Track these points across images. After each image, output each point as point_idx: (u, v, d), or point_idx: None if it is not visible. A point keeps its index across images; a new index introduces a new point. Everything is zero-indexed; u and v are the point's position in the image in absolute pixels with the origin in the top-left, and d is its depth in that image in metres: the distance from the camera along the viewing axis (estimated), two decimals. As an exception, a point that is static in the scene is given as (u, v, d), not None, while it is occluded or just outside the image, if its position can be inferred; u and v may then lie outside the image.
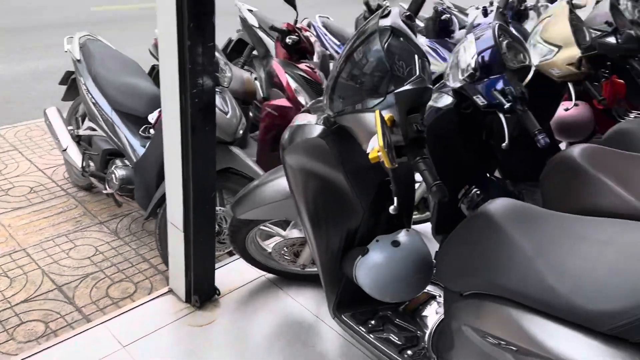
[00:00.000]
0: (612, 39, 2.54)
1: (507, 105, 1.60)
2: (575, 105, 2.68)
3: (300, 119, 1.54)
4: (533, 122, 1.63)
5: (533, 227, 1.21)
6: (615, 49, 2.14)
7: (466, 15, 4.40)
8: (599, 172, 1.60)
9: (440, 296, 1.76)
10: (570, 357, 1.03)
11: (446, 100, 1.80)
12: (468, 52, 1.74)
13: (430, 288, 1.80)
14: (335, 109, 1.39)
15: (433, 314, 1.71)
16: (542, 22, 2.24)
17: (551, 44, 2.14)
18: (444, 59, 3.54)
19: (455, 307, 1.37)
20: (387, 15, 1.37)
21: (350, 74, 1.35)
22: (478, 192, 1.93)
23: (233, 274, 2.28)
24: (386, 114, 1.23)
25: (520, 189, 2.28)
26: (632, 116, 2.73)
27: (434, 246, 1.68)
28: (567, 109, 2.46)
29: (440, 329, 1.63)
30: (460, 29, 3.82)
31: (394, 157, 1.14)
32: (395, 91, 1.25)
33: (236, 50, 4.30)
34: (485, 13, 2.06)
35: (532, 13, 4.04)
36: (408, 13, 1.42)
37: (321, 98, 1.52)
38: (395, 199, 1.27)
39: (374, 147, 1.14)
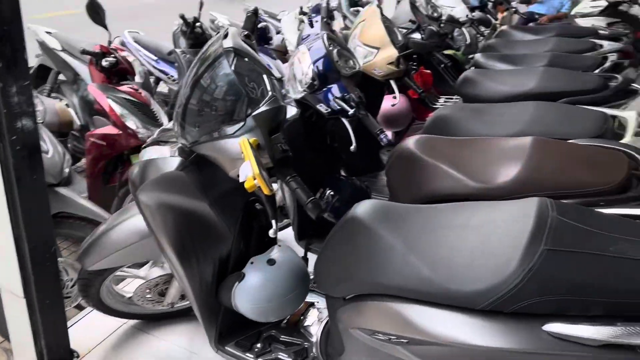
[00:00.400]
0: (417, 35, 2.85)
1: (351, 111, 1.69)
2: (394, 98, 2.96)
3: (150, 152, 1.44)
4: (374, 123, 1.74)
5: (400, 224, 1.29)
6: (426, 45, 2.40)
7: (278, 20, 4.55)
8: (434, 160, 1.78)
9: (318, 302, 1.80)
10: (454, 337, 1.13)
11: (291, 111, 1.83)
12: (303, 63, 1.80)
13: (307, 297, 1.84)
14: (191, 138, 1.32)
15: (316, 322, 1.74)
16: (358, 27, 2.41)
17: (370, 46, 2.31)
18: (268, 66, 3.61)
19: (340, 312, 1.41)
20: (226, 37, 1.34)
21: (200, 100, 1.29)
22: (332, 193, 2.02)
23: (90, 329, 2.05)
24: (250, 139, 1.20)
25: (364, 182, 2.44)
26: (442, 101, 3.10)
27: (301, 253, 1.71)
28: (394, 105, 2.68)
29: (327, 335, 1.67)
30: (277, 34, 3.93)
31: (270, 183, 1.13)
32: (254, 114, 1.24)
33: (39, 77, 3.84)
34: (311, 24, 2.15)
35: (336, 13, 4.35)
36: (246, 32, 1.41)
37: (168, 127, 1.43)
38: (273, 222, 1.26)
39: (248, 176, 1.11)
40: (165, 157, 1.38)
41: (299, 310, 1.77)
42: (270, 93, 1.28)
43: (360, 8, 4.98)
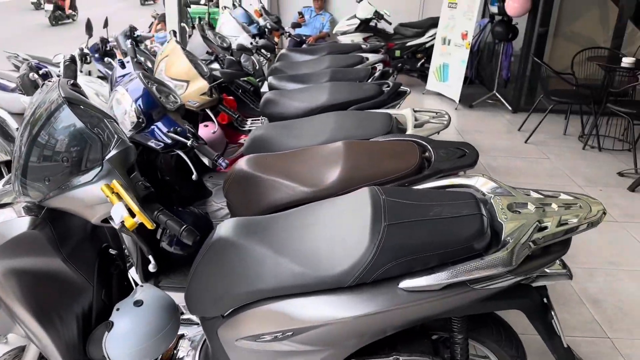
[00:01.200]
0: (216, 65, 3.01)
1: (189, 142, 1.76)
2: (205, 126, 3.07)
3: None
4: (210, 151, 1.85)
5: (264, 234, 1.44)
6: (233, 74, 2.57)
7: (57, 65, 4.26)
8: (268, 175, 1.96)
9: (187, 332, 1.82)
10: (330, 316, 1.32)
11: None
12: (124, 104, 1.81)
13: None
14: (40, 194, 1.26)
15: (190, 351, 1.76)
16: (161, 63, 2.47)
17: (179, 80, 2.40)
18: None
19: (221, 329, 1.49)
20: (54, 89, 1.32)
21: (45, 155, 1.25)
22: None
23: None
24: (113, 181, 1.21)
25: (201, 207, 2.51)
26: (249, 123, 3.31)
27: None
28: (214, 132, 2.79)
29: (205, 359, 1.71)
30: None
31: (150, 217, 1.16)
32: (109, 157, 1.25)
33: None
34: (122, 65, 2.13)
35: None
36: (72, 81, 1.40)
37: (5, 189, 1.34)
38: (150, 257, 1.28)
39: (125, 216, 1.13)
40: (11, 219, 1.29)
41: (170, 346, 1.77)
42: (116, 136, 1.31)
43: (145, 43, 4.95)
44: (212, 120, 2.75)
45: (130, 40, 4.60)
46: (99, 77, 4.11)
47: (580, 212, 1.31)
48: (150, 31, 9.92)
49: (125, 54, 4.91)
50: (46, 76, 3.37)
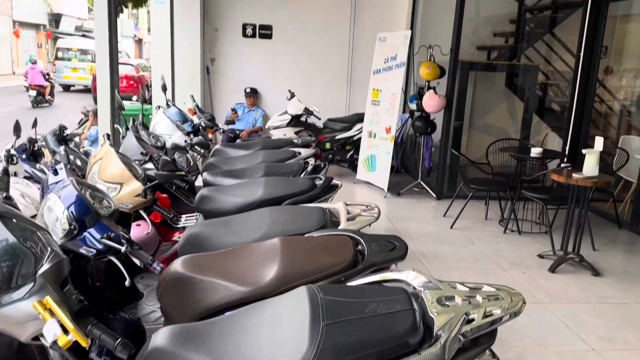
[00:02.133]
0: (150, 165, 3.03)
1: (123, 248, 1.74)
2: (138, 225, 3.02)
3: None
4: (144, 255, 1.83)
5: (201, 341, 1.42)
6: (168, 175, 2.59)
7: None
8: (204, 276, 1.95)
9: None
10: None
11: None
12: (56, 211, 1.79)
13: None
14: None
15: None
16: (94, 165, 2.47)
17: (112, 182, 2.39)
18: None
19: None
20: None
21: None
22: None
23: None
24: (46, 297, 1.18)
25: (132, 311, 2.41)
26: (183, 220, 3.29)
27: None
28: (148, 232, 2.75)
29: None
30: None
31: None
32: (42, 272, 1.22)
33: None
34: (55, 172, 2.10)
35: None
36: (5, 194, 1.39)
37: None
38: None
39: (58, 334, 1.09)
40: None
41: None
42: (49, 248, 1.29)
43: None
44: (145, 220, 2.72)
45: (62, 144, 4.56)
46: (25, 177, 3.98)
47: (503, 303, 1.41)
48: (78, 128, 9.83)
49: (53, 153, 4.83)
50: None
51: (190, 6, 7.71)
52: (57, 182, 2.01)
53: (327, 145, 7.35)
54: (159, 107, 4.86)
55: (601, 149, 4.15)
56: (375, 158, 6.77)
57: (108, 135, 2.65)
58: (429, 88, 6.28)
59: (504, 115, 7.68)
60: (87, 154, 5.44)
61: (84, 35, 31.92)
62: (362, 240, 2.16)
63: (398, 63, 6.44)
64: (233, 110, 7.87)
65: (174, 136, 4.17)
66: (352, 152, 7.34)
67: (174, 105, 5.07)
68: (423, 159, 6.59)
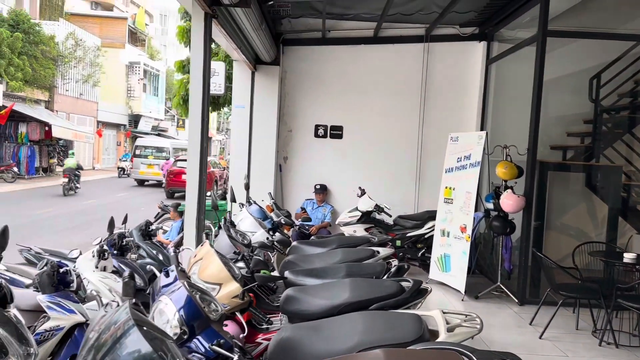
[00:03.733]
0: (242, 264, 3.05)
1: (235, 357, 1.69)
2: (225, 326, 2.98)
3: None
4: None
5: None
6: (269, 278, 2.59)
7: (73, 260, 4.30)
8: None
9: None
10: None
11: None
12: (167, 313, 1.79)
13: None
14: None
15: None
16: (195, 265, 2.50)
17: (212, 283, 2.40)
18: (71, 311, 3.31)
19: None
20: (122, 311, 1.32)
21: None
22: None
23: None
24: None
25: None
26: (267, 321, 3.23)
27: None
28: (244, 335, 2.70)
29: None
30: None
31: None
32: None
33: None
34: (167, 274, 2.15)
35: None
36: (133, 300, 1.40)
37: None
38: None
39: None
40: None
41: None
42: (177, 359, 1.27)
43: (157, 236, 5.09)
44: (237, 321, 2.68)
45: (146, 239, 4.71)
46: (113, 272, 4.11)
47: None
48: (155, 221, 10.21)
49: (138, 247, 4.99)
50: (66, 274, 3.37)
51: (269, 110, 8.17)
52: (168, 285, 2.04)
53: (398, 243, 7.23)
54: (241, 204, 5.00)
55: None
56: (450, 258, 6.55)
57: (207, 234, 2.71)
58: (506, 188, 6.16)
59: (585, 217, 7.34)
60: (163, 245, 5.56)
61: (159, 135, 34.42)
62: (473, 357, 2.01)
63: (472, 162, 6.41)
64: (302, 209, 8.00)
65: (256, 234, 4.23)
66: (423, 250, 7.17)
67: (254, 202, 5.20)
68: (502, 260, 6.31)
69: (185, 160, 20.54)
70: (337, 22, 8.04)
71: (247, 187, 5.04)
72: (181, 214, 7.95)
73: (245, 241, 3.71)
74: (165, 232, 7.54)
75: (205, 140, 4.74)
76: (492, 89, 7.94)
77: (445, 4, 7.13)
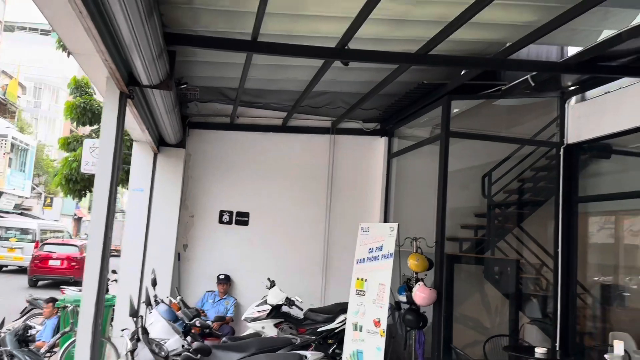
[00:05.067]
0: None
1: None
2: None
3: None
4: None
5: None
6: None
7: None
8: None
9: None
10: None
11: None
12: None
13: None
14: None
15: None
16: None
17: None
18: None
19: None
20: None
21: None
22: None
23: None
24: None
25: None
26: None
27: None
28: None
29: None
30: None
31: None
32: None
33: None
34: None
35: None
36: None
37: None
38: None
39: None
40: None
41: None
42: None
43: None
44: None
45: (22, 345, 3.98)
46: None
47: None
48: (20, 317, 8.79)
49: (12, 357, 4.18)
50: None
51: (170, 194, 7.67)
52: None
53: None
54: (149, 306, 4.40)
55: (622, 353, 4.04)
56: (363, 354, 6.31)
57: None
58: (417, 280, 6.20)
59: (488, 307, 7.63)
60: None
61: (22, 214, 30.94)
62: None
63: (385, 254, 6.42)
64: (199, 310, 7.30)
65: (170, 341, 3.70)
66: (334, 346, 6.86)
67: (162, 301, 4.63)
68: (416, 356, 6.21)
69: (56, 244, 18.51)
70: (247, 109, 8.00)
71: (154, 283, 4.48)
72: (59, 309, 6.92)
73: (163, 353, 3.19)
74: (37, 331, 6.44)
75: (111, 226, 4.20)
76: (394, 182, 8.25)
77: (352, 100, 7.45)
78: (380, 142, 8.39)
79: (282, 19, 4.91)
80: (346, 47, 4.85)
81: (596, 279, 6.88)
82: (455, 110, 6.81)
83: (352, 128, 8.43)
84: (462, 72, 6.42)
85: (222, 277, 7.68)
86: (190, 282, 7.88)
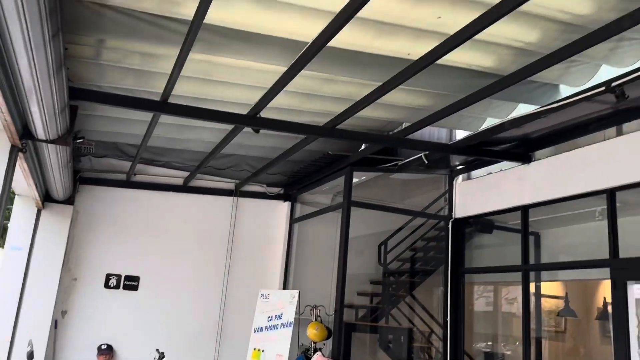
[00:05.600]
0: None
1: None
2: None
3: None
4: None
5: None
6: None
7: None
8: None
9: None
10: None
11: None
12: None
13: None
14: None
15: None
16: None
17: None
18: None
19: None
20: None
21: None
22: None
23: None
24: None
25: None
26: None
27: None
28: None
29: None
30: None
31: None
32: None
33: None
34: None
35: None
36: None
37: None
38: None
39: None
40: None
41: None
42: None
43: None
44: None
45: None
46: None
47: None
48: None
49: None
50: None
51: (52, 254, 7.00)
52: None
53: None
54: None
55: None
56: None
57: None
58: (315, 350, 6.14)
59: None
60: None
61: None
62: None
63: (284, 322, 6.32)
64: None
65: None
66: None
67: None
68: None
69: None
70: (146, 166, 7.70)
71: (30, 356, 3.98)
72: None
73: None
74: None
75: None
76: (295, 247, 8.28)
77: (258, 164, 7.50)
78: (284, 207, 8.45)
79: (195, 82, 4.90)
80: (258, 115, 4.93)
81: (480, 345, 7.30)
82: (355, 180, 7.11)
83: (255, 191, 8.42)
84: (364, 147, 6.79)
85: (103, 347, 7.04)
86: (67, 353, 7.10)
